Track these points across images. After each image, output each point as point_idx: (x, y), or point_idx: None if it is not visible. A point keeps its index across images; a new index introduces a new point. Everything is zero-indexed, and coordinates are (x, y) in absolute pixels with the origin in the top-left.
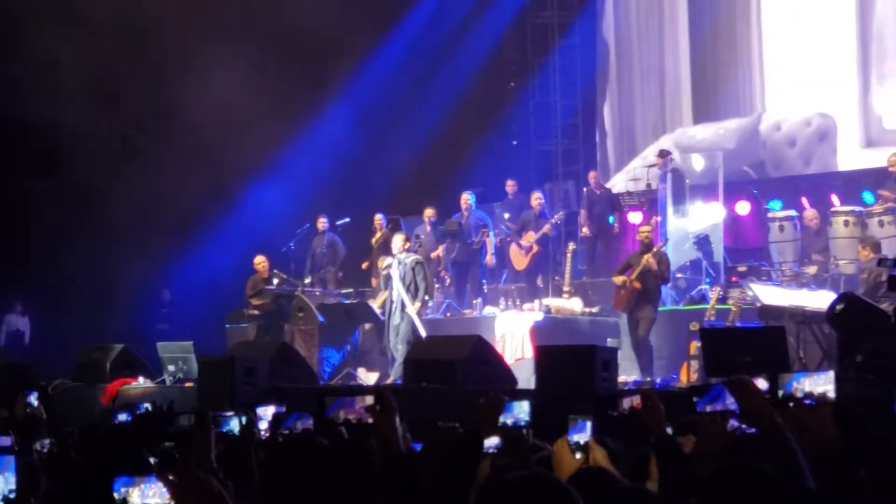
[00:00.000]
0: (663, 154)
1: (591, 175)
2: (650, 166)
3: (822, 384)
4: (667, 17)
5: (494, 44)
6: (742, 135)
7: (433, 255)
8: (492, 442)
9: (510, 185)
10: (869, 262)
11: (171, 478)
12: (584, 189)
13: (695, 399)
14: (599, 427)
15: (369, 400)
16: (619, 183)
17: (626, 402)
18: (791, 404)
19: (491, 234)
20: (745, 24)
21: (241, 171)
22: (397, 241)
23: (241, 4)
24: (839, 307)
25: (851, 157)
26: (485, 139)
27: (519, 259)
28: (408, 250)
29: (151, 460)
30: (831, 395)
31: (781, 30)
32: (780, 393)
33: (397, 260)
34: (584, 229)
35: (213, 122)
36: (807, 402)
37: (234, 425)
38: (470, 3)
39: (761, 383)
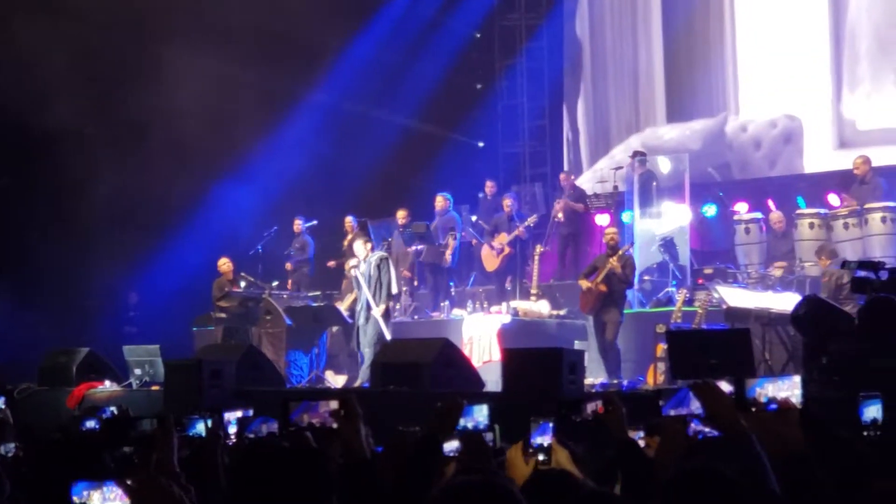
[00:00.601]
0: (635, 155)
1: (562, 177)
2: (618, 168)
3: (785, 389)
4: (640, 17)
5: (462, 46)
6: (708, 136)
7: (406, 258)
8: (454, 446)
9: (489, 186)
10: (828, 267)
11: (130, 483)
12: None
13: (661, 403)
14: (562, 431)
15: (334, 405)
16: (586, 183)
17: (590, 407)
18: (753, 409)
19: (458, 235)
20: (719, 25)
21: (210, 173)
22: (359, 246)
23: (214, 6)
24: (804, 309)
25: (824, 158)
26: (452, 141)
27: (490, 260)
28: (372, 250)
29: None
30: (795, 399)
31: (755, 31)
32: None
33: (364, 261)
34: (560, 214)
35: (181, 126)
36: (771, 406)
37: (200, 429)
38: (438, 5)
39: (726, 386)
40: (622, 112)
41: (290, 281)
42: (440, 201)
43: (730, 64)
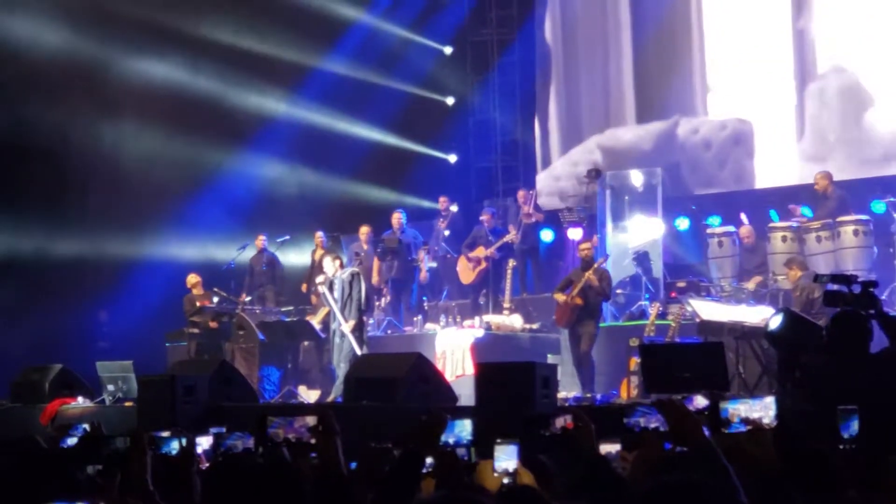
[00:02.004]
0: (591, 176)
1: (520, 194)
2: (587, 183)
3: (758, 410)
4: (611, 23)
5: (434, 61)
6: (660, 137)
7: (373, 273)
8: (427, 461)
9: (443, 202)
10: (798, 280)
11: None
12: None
13: (624, 420)
14: (531, 447)
15: (311, 420)
16: (545, 180)
17: (559, 422)
18: (723, 429)
19: (431, 249)
20: (686, 33)
21: (184, 188)
22: (328, 263)
23: (184, 23)
24: (777, 323)
25: (790, 165)
26: (424, 156)
27: (466, 273)
28: (343, 267)
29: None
30: (767, 420)
31: (723, 39)
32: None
33: (334, 278)
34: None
35: (150, 142)
36: (741, 427)
37: (174, 446)
38: (409, 20)
39: (700, 401)
40: (594, 115)
41: (244, 294)
42: (396, 217)
43: (697, 71)
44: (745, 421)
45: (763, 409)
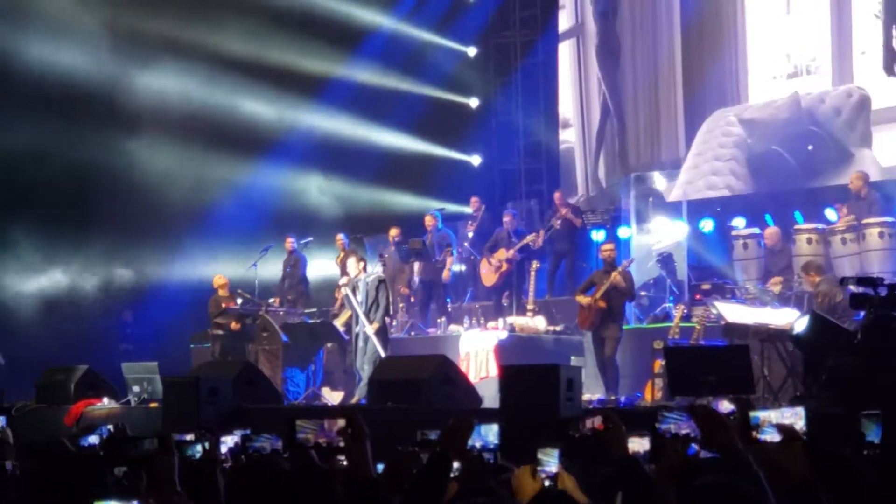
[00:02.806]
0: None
1: (557, 195)
2: (615, 183)
3: (788, 417)
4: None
5: (457, 63)
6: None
7: (401, 275)
8: (454, 465)
9: (474, 203)
10: (818, 286)
11: (151, 501)
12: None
13: (656, 424)
14: (563, 450)
15: (340, 423)
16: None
17: (589, 423)
18: (755, 435)
19: (454, 251)
20: (732, 27)
21: (208, 189)
22: (351, 264)
23: (207, 35)
24: (803, 325)
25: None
26: (447, 159)
27: (489, 276)
28: (365, 269)
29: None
30: (798, 427)
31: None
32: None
33: (358, 280)
34: (557, 223)
35: (172, 149)
36: (773, 431)
37: (197, 451)
38: (433, 22)
39: (726, 405)
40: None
41: (278, 299)
42: (428, 220)
43: (741, 57)
44: (778, 427)
45: (793, 417)
